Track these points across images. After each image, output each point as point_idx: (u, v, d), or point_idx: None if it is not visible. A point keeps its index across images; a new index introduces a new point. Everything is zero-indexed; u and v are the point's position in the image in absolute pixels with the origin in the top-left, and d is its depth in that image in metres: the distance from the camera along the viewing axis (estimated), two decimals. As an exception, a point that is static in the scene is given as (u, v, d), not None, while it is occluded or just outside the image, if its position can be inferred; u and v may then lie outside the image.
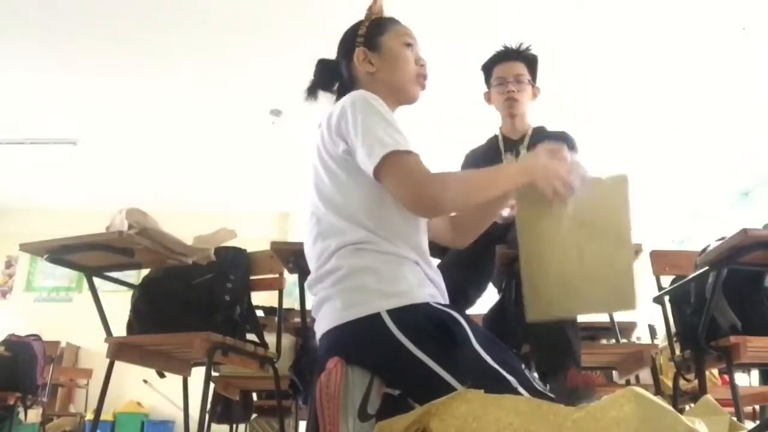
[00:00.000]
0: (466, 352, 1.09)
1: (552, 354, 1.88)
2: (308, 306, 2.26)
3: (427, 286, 1.23)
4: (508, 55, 2.29)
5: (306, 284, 1.32)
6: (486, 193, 1.27)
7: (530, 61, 2.29)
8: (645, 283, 2.53)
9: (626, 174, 1.30)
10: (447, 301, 1.27)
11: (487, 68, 2.34)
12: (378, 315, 1.12)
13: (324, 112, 1.34)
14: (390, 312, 1.12)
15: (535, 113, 2.36)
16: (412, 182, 1.17)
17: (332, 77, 1.46)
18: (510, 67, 2.26)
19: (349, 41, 1.45)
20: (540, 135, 2.30)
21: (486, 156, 2.29)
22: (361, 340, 1.14)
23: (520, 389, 1.05)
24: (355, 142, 1.21)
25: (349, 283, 1.18)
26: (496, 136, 2.35)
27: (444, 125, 4.70)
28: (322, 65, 1.49)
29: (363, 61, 1.40)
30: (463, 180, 1.30)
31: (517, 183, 1.29)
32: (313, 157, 1.32)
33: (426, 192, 1.18)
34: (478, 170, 1.34)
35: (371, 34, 1.43)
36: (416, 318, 1.12)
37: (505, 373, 1.07)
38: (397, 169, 1.17)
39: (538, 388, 1.07)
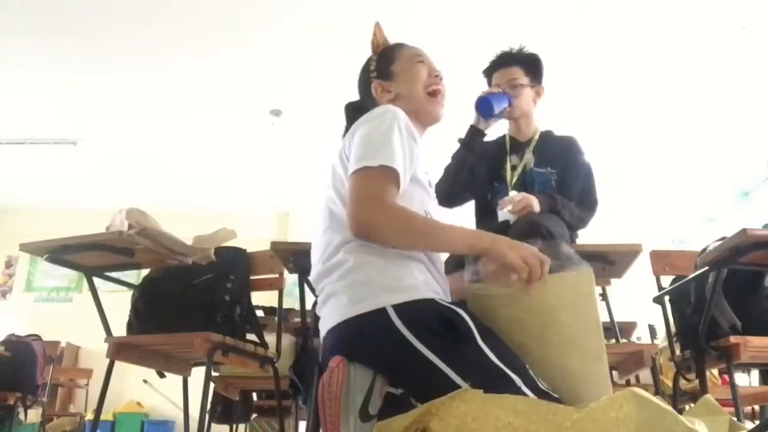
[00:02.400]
0: (471, 350, 1.09)
1: None
2: (308, 306, 2.27)
3: (433, 284, 1.24)
4: (503, 61, 2.28)
5: (311, 279, 1.32)
6: (428, 241, 1.21)
7: (528, 63, 2.27)
8: (645, 283, 2.54)
9: (589, 267, 1.17)
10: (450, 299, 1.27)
11: (487, 76, 2.34)
12: (383, 310, 1.12)
13: (325, 114, 1.35)
14: (395, 307, 1.12)
15: (539, 113, 2.36)
16: (359, 201, 1.17)
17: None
18: (505, 73, 2.25)
19: (364, 80, 1.51)
20: (547, 139, 2.30)
21: (492, 150, 2.31)
22: (365, 335, 1.13)
23: (524, 388, 1.05)
24: (356, 143, 1.25)
25: (355, 277, 1.18)
26: (504, 136, 2.36)
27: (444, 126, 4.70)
28: (350, 108, 1.53)
29: (381, 93, 1.46)
30: (410, 220, 1.19)
31: (472, 246, 1.20)
32: (334, 158, 1.34)
33: (364, 215, 1.16)
34: (435, 220, 1.26)
35: (382, 65, 1.48)
36: (421, 314, 1.12)
37: (509, 372, 1.07)
38: (359, 181, 1.19)
39: (542, 387, 1.07)
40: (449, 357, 1.07)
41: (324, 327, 1.23)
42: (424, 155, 1.35)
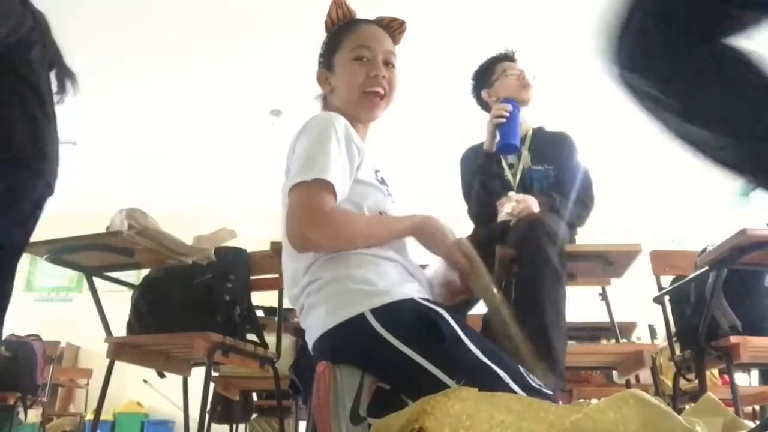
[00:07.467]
0: (456, 347, 1.09)
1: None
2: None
3: (410, 282, 1.23)
4: (512, 57, 2.31)
5: (289, 300, 1.32)
6: (373, 238, 1.23)
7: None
8: (645, 283, 2.54)
9: None
10: (431, 296, 1.26)
11: (489, 66, 2.33)
12: (362, 315, 1.11)
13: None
14: (374, 311, 1.11)
15: (534, 110, 2.36)
16: (292, 217, 1.18)
17: None
18: (517, 64, 2.29)
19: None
20: (541, 135, 2.31)
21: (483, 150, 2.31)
22: (348, 342, 1.13)
23: (512, 384, 1.05)
24: (294, 158, 1.24)
25: (331, 288, 1.18)
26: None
27: (439, 123, 4.70)
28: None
29: (324, 83, 1.43)
30: (347, 223, 1.21)
31: (405, 234, 1.28)
32: (283, 179, 1.32)
33: (302, 230, 1.17)
34: (373, 217, 1.27)
35: (327, 52, 1.43)
36: (401, 315, 1.12)
37: (496, 368, 1.07)
38: (294, 198, 1.18)
39: (533, 385, 1.07)
40: (434, 356, 1.07)
41: (309, 340, 1.22)
42: (373, 151, 1.34)
